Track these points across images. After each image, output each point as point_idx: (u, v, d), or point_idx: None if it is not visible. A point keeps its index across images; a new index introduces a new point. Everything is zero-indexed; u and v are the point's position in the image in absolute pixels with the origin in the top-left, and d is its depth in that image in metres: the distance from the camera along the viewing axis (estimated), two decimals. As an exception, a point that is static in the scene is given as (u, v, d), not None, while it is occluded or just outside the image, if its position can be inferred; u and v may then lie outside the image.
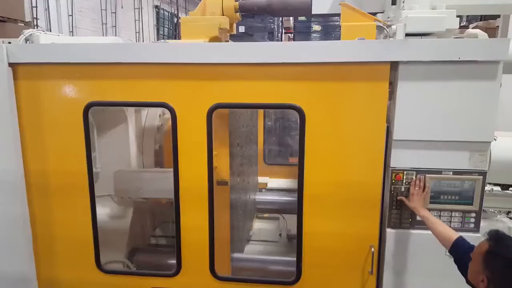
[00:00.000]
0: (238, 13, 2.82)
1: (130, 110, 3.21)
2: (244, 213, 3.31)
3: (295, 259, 2.48)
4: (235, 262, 2.88)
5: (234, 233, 2.88)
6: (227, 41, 2.91)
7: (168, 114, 3.41)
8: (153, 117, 3.40)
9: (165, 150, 3.36)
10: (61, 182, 2.59)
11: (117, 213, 3.14)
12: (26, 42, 2.59)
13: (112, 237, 2.84)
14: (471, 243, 1.94)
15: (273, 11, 2.98)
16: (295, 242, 2.48)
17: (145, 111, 3.40)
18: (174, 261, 2.59)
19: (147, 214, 3.52)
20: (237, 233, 3.03)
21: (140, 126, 3.35)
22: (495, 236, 1.69)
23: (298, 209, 2.42)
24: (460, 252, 1.95)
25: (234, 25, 3.00)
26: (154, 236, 3.64)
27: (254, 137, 4.02)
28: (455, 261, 1.97)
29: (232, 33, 3.00)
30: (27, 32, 2.60)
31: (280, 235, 3.59)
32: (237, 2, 2.80)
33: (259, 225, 4.00)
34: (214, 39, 2.59)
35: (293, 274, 2.51)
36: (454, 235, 2.04)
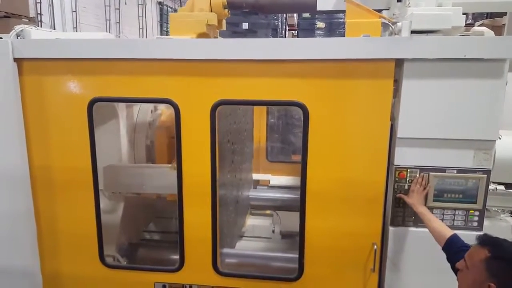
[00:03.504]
0: (226, 10, 2.80)
1: (121, 106, 3.19)
2: (235, 210, 3.30)
3: (287, 255, 2.47)
4: (225, 258, 2.88)
5: (224, 229, 2.86)
6: (215, 37, 2.89)
7: (159, 110, 3.43)
8: (144, 112, 3.38)
9: (157, 146, 3.35)
10: (65, 177, 2.60)
11: (108, 207, 3.13)
12: (17, 38, 2.56)
13: (104, 231, 2.82)
14: (466, 242, 1.90)
15: (261, 7, 2.95)
16: (288, 239, 2.47)
17: (137, 106, 3.38)
18: (168, 256, 2.58)
19: (139, 209, 3.51)
20: (227, 229, 3.02)
21: (132, 122, 3.33)
22: (490, 241, 1.62)
23: (300, 206, 2.42)
24: (452, 251, 1.92)
25: (223, 21, 2.97)
26: (147, 231, 3.64)
27: (248, 133, 3.99)
28: (448, 259, 1.94)
29: (222, 29, 2.98)
30: (18, 27, 2.59)
31: (273, 231, 3.59)
32: None
33: (252, 222, 3.97)
34: (202, 35, 2.58)
35: (285, 270, 2.51)
36: (449, 232, 2.02)
